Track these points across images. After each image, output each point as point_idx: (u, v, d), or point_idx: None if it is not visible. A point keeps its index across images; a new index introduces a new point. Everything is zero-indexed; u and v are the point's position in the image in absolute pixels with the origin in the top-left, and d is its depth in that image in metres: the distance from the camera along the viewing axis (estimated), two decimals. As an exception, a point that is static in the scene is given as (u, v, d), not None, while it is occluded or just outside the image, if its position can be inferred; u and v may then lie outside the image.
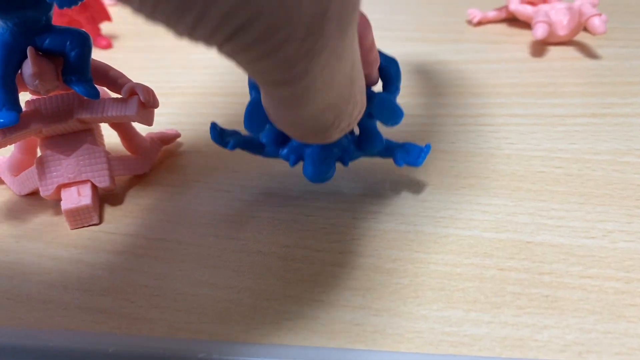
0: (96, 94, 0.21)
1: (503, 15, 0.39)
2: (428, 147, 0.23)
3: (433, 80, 0.32)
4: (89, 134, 0.23)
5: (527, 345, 0.17)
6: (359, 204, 0.23)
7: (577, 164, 0.25)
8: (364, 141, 0.22)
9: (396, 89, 0.23)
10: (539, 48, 0.36)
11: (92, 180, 0.23)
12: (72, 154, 0.22)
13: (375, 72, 0.21)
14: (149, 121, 0.22)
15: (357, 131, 0.23)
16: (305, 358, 0.17)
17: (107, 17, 0.37)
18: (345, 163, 0.23)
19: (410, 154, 0.23)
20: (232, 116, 0.29)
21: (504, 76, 0.33)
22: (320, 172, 0.22)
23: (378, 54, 0.21)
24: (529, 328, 0.18)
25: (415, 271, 0.20)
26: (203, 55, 0.34)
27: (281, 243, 0.22)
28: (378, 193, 0.24)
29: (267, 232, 0.22)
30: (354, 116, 0.19)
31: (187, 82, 0.33)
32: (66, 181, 0.22)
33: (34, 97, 0.22)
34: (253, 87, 0.21)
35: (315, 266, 0.21)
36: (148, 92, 0.22)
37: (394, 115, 0.22)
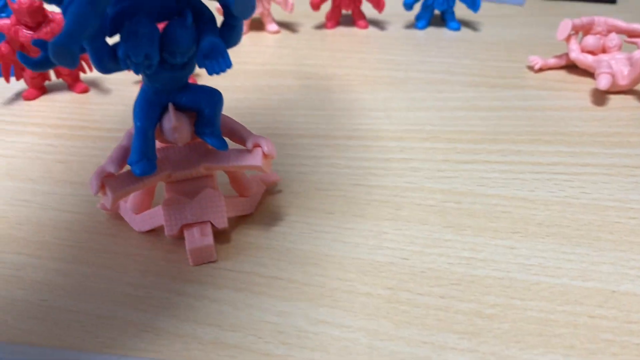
0: (226, 147, 0.23)
1: (563, 62, 0.41)
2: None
3: (504, 127, 0.34)
4: (210, 179, 0.25)
5: (627, 391, 0.19)
6: (452, 249, 0.25)
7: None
8: None
9: None
10: (600, 96, 0.38)
11: (212, 221, 0.25)
12: (196, 198, 0.25)
13: None
14: (268, 169, 0.25)
15: None
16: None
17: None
18: None
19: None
20: (321, 158, 0.32)
21: (570, 124, 0.35)
22: None
23: None
24: (628, 375, 0.20)
25: (514, 317, 0.22)
26: (283, 96, 0.37)
27: (385, 285, 0.24)
28: (469, 239, 0.26)
29: (370, 274, 0.24)
30: None
31: (272, 122, 0.35)
32: (189, 222, 0.25)
33: (163, 145, 0.25)
34: None
35: (420, 309, 0.22)
36: (270, 144, 0.24)
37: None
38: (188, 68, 0.22)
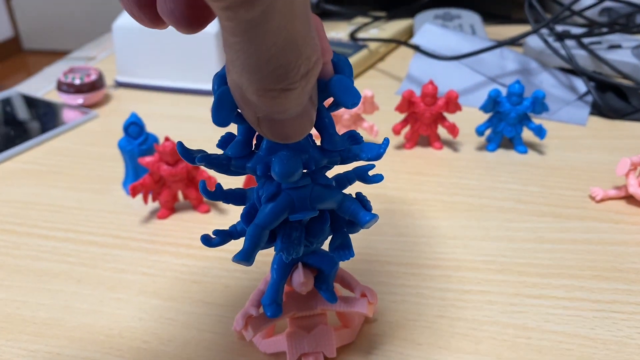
0: (336, 300, 0.30)
1: (622, 194, 0.46)
2: (386, 141, 0.26)
3: (567, 260, 0.39)
4: (323, 317, 0.32)
5: None
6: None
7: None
8: (325, 140, 0.25)
9: (350, 76, 0.24)
10: (657, 231, 0.42)
11: (324, 351, 0.31)
12: (312, 332, 0.31)
13: (329, 62, 0.23)
14: (372, 315, 0.31)
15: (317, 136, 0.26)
16: None
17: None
18: (310, 167, 0.25)
19: (371, 149, 0.26)
20: (409, 287, 0.37)
21: (628, 260, 0.39)
22: (289, 167, 0.23)
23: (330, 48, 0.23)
24: None
25: None
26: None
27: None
28: (537, 375, 0.31)
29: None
30: (312, 61, 0.20)
31: (363, 248, 0.42)
32: (306, 351, 0.31)
33: (289, 289, 0.31)
34: (219, 81, 0.23)
35: None
36: (374, 295, 0.30)
37: (350, 92, 0.23)
38: (318, 245, 0.29)
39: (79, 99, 0.64)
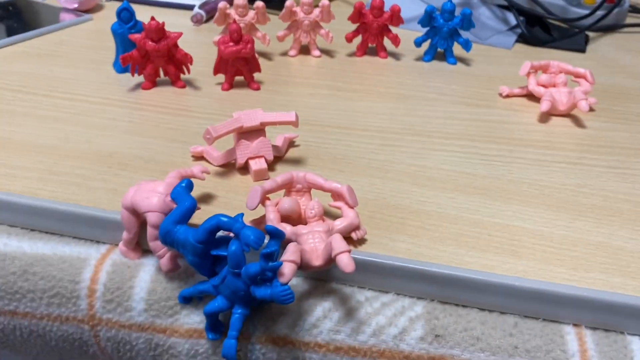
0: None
1: (524, 92, 0.56)
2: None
3: (469, 131, 0.50)
4: (263, 132, 0.42)
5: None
6: (414, 195, 0.41)
7: (551, 189, 0.42)
8: None
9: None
10: (545, 117, 0.53)
11: (265, 155, 0.41)
12: (255, 142, 0.41)
13: None
14: (295, 120, 0.42)
15: None
16: None
17: (258, 69, 0.56)
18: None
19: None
20: (344, 141, 0.47)
21: (517, 133, 0.50)
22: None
23: None
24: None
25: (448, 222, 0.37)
26: (319, 100, 0.53)
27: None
28: (428, 192, 0.41)
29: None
30: None
31: (310, 116, 0.51)
32: (251, 156, 0.41)
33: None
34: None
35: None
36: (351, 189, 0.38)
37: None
38: None
39: (74, 4, 0.73)
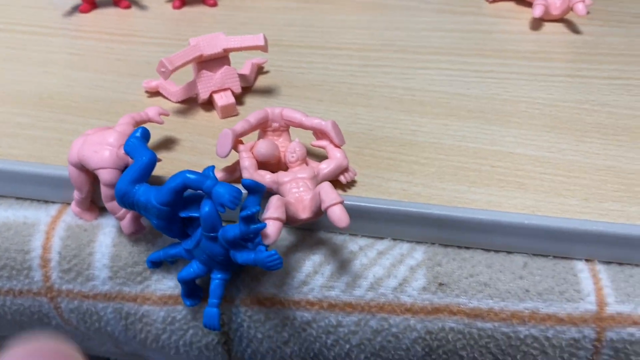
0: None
1: (511, -6, 0.51)
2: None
3: (457, 44, 0.45)
4: (227, 60, 0.36)
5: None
6: (403, 124, 0.36)
7: (550, 108, 0.38)
8: None
9: None
10: (537, 23, 0.48)
11: (231, 87, 0.36)
12: (218, 72, 0.35)
13: None
14: (265, 45, 0.36)
15: None
16: None
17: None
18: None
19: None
20: (317, 63, 0.42)
21: (508, 44, 0.45)
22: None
23: None
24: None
25: (439, 164, 0.33)
26: (284, 3, 0.47)
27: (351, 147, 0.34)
28: (417, 118, 0.37)
29: (346, 138, 0.35)
30: None
31: (284, 35, 0.45)
32: (216, 89, 0.35)
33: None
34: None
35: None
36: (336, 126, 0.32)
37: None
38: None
39: None
